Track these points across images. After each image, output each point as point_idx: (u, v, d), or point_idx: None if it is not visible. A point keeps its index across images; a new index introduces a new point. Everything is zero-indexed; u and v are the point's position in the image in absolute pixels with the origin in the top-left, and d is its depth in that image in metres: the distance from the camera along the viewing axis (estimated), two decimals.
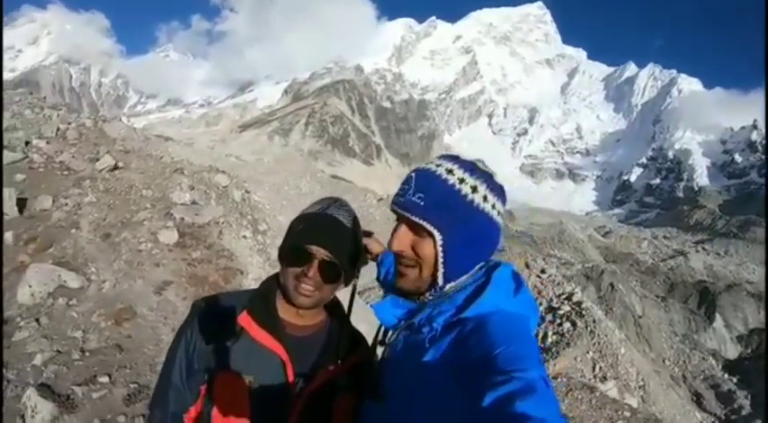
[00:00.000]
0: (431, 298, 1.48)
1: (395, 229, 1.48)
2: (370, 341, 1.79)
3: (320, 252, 1.58)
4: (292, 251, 1.61)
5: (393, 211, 1.49)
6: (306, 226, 1.62)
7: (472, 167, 1.47)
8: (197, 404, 1.65)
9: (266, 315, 1.65)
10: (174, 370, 1.66)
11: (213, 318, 1.66)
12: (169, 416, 1.65)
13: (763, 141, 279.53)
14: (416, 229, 1.44)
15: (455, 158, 1.51)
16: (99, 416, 4.97)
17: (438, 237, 1.41)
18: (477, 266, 1.51)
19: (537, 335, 21.03)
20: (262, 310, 1.65)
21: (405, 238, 1.46)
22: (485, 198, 1.44)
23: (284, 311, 1.69)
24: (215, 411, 1.60)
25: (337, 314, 1.82)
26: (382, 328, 1.65)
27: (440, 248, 1.42)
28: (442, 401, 1.28)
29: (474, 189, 1.43)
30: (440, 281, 1.45)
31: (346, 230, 1.65)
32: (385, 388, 1.48)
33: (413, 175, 1.48)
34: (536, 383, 1.14)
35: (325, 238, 1.59)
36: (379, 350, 1.66)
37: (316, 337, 1.72)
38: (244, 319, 1.63)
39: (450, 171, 1.45)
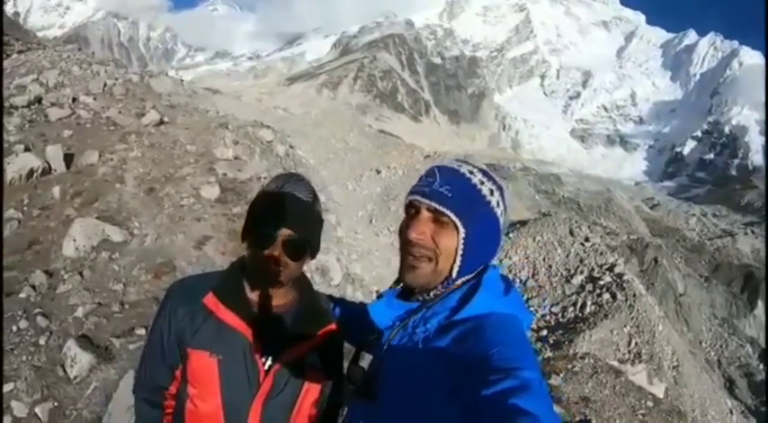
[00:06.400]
0: (439, 293, 1.50)
1: (413, 218, 1.49)
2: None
3: (284, 232, 1.61)
4: (256, 235, 1.63)
5: (413, 201, 1.49)
6: (266, 208, 1.64)
7: (489, 174, 1.53)
8: (174, 383, 1.75)
9: (232, 295, 1.69)
10: (154, 351, 1.75)
11: (185, 300, 1.71)
12: (152, 392, 1.77)
13: None
14: (438, 220, 1.45)
15: (470, 162, 1.55)
16: (134, 366, 5.15)
17: (462, 230, 1.43)
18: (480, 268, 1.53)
19: (576, 304, 20.90)
20: (228, 291, 1.69)
21: (425, 227, 1.45)
22: (498, 203, 1.50)
23: (253, 292, 1.72)
24: (189, 389, 1.68)
25: (306, 292, 1.84)
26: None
27: (461, 241, 1.44)
28: (437, 400, 1.30)
29: (491, 192, 1.49)
30: (454, 274, 1.47)
31: (306, 206, 1.68)
32: (377, 388, 1.49)
33: (435, 169, 1.51)
34: (531, 382, 1.16)
35: (286, 218, 1.61)
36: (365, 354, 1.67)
37: (284, 315, 1.74)
38: (210, 301, 1.68)
39: (471, 172, 1.49)
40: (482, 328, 1.36)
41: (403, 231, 1.50)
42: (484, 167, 1.55)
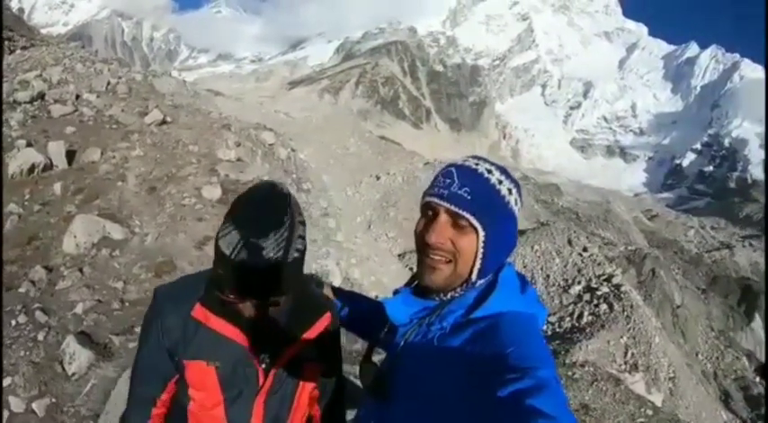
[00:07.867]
0: (458, 295, 1.48)
1: (431, 221, 1.46)
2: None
3: (251, 300, 1.52)
4: (225, 298, 1.53)
5: (431, 203, 1.46)
6: (231, 275, 1.47)
7: (506, 171, 1.51)
8: (167, 391, 1.73)
9: (220, 304, 1.58)
10: (145, 364, 1.70)
11: (174, 313, 1.65)
12: (147, 403, 1.73)
13: None
14: (457, 223, 1.42)
15: (486, 160, 1.54)
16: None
17: (482, 232, 1.41)
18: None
19: (573, 314, 20.91)
20: (215, 300, 1.58)
21: (446, 230, 1.43)
22: (515, 202, 1.49)
23: None
24: (190, 392, 1.67)
25: (298, 289, 1.69)
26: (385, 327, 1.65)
27: (481, 244, 1.43)
28: (452, 398, 1.30)
29: (510, 191, 1.47)
30: (474, 276, 1.46)
31: (273, 268, 1.46)
32: (391, 386, 1.48)
33: (453, 170, 1.48)
34: (548, 381, 1.18)
35: (251, 291, 1.49)
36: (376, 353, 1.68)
37: (277, 316, 1.65)
38: (199, 313, 1.61)
39: (489, 171, 1.47)
40: (498, 326, 1.35)
41: (421, 234, 1.47)
42: (500, 165, 1.52)
